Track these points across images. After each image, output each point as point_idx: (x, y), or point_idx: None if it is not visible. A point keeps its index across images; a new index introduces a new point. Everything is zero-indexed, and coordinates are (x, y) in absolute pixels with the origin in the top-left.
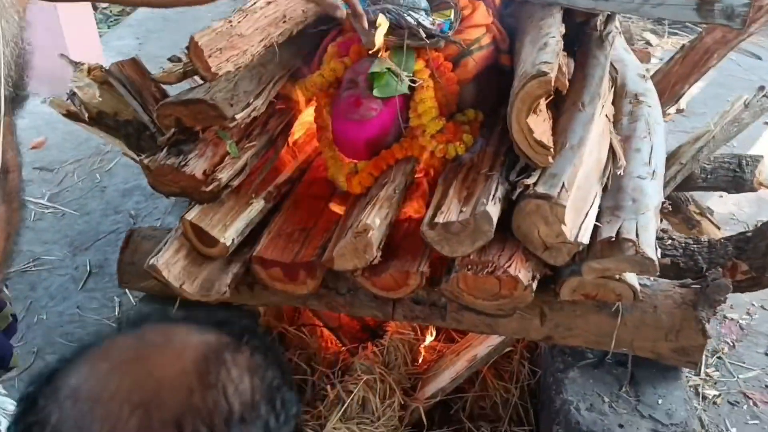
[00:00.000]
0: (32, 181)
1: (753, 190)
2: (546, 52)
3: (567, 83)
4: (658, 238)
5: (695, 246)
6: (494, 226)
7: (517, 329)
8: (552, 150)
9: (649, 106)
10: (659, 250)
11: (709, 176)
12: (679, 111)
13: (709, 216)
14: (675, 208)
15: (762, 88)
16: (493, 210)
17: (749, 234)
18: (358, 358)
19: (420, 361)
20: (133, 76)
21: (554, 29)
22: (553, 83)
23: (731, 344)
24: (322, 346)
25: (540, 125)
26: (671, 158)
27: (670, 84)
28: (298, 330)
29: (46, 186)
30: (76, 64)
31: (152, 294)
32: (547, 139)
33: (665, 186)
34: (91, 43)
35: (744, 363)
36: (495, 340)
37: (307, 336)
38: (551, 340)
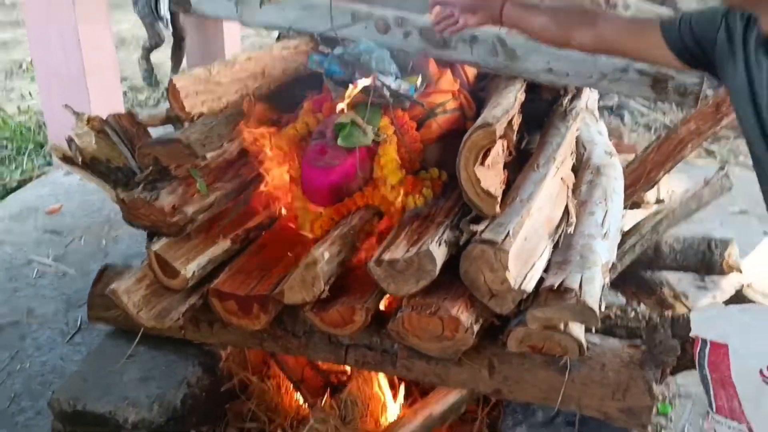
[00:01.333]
0: (42, 243)
1: (723, 273)
2: (497, 109)
3: (514, 138)
4: (621, 309)
5: (658, 319)
6: (438, 267)
7: (466, 380)
8: (498, 199)
9: (609, 177)
10: (604, 304)
11: (678, 255)
12: (659, 201)
13: (683, 300)
14: (649, 291)
15: (722, 168)
16: (437, 251)
17: None
18: (314, 409)
19: (381, 420)
20: (127, 126)
21: (512, 94)
22: (498, 134)
23: None
24: (285, 399)
25: (488, 177)
26: (632, 230)
27: (646, 171)
28: (261, 380)
29: (53, 247)
30: (78, 114)
31: (117, 327)
32: (494, 189)
33: (624, 255)
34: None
35: None
36: (451, 398)
37: (269, 387)
38: (500, 394)
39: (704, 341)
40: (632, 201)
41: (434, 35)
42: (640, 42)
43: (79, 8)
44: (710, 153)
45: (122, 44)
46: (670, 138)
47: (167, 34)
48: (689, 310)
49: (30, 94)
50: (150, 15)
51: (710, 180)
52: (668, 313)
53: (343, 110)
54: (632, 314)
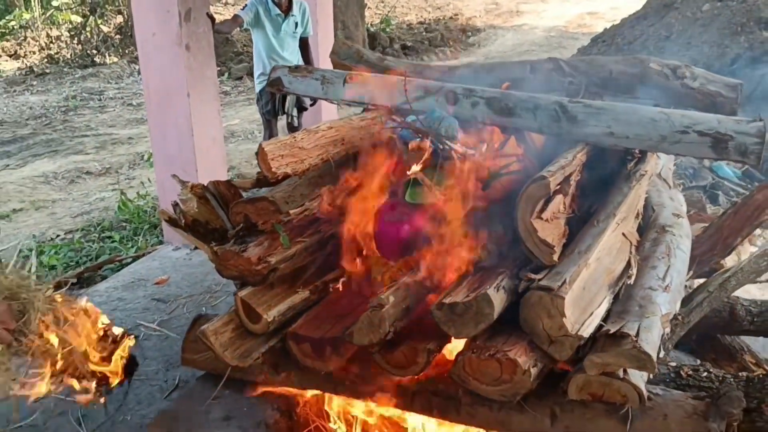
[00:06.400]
0: (149, 310)
1: None
2: (554, 165)
3: (571, 193)
4: (693, 369)
5: (733, 380)
6: (495, 310)
7: (529, 428)
8: (555, 249)
9: (674, 235)
10: (662, 352)
11: (755, 319)
12: None
13: (766, 367)
14: (730, 357)
15: None
16: (495, 295)
17: None
18: None
19: None
20: (224, 191)
21: (571, 154)
22: (551, 187)
23: None
24: None
25: (546, 228)
26: (700, 287)
27: (723, 236)
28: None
29: (158, 314)
30: (183, 182)
31: (207, 371)
32: (551, 239)
33: (692, 311)
34: None
35: None
36: None
37: None
38: None
39: None
40: (711, 267)
41: (500, 104)
42: None
43: (194, 105)
44: None
45: (232, 136)
46: (747, 204)
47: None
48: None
49: (149, 180)
50: (271, 113)
51: None
52: (743, 374)
53: (413, 170)
54: (704, 374)
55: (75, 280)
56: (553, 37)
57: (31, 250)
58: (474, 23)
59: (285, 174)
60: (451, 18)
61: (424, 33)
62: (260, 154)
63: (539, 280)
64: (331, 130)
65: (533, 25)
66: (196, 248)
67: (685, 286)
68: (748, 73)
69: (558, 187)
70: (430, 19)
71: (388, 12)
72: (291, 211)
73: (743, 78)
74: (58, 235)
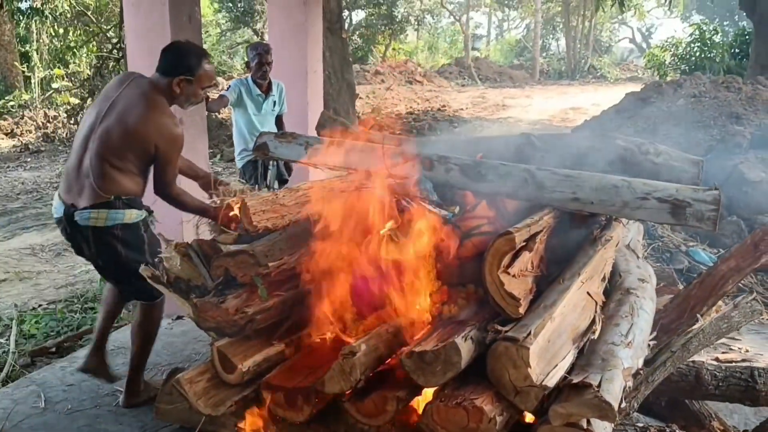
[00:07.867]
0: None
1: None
2: (521, 223)
3: (535, 249)
4: (660, 430)
5: None
6: (463, 359)
7: None
8: (521, 302)
9: (638, 297)
10: (623, 403)
11: (720, 384)
12: None
13: None
14: (699, 423)
15: (752, 291)
16: (463, 345)
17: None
18: None
19: None
20: (207, 250)
21: (538, 215)
22: (517, 242)
23: None
24: None
25: (513, 282)
26: (663, 348)
27: (690, 306)
28: None
29: None
30: (168, 241)
31: (180, 424)
32: (517, 293)
33: (656, 371)
34: None
35: None
36: None
37: None
38: None
39: None
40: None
41: (472, 170)
42: None
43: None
44: None
45: None
46: (712, 274)
47: None
48: None
49: None
50: (254, 186)
51: (739, 303)
52: None
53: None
54: None
55: (54, 349)
56: (537, 129)
57: (11, 319)
58: (461, 115)
59: (265, 228)
60: (438, 109)
61: (412, 122)
62: (242, 207)
63: (506, 331)
64: (311, 190)
65: (518, 118)
66: (177, 318)
67: (649, 346)
68: (720, 163)
69: (524, 244)
70: (418, 110)
71: (379, 102)
72: (270, 264)
73: (716, 168)
74: (40, 305)
